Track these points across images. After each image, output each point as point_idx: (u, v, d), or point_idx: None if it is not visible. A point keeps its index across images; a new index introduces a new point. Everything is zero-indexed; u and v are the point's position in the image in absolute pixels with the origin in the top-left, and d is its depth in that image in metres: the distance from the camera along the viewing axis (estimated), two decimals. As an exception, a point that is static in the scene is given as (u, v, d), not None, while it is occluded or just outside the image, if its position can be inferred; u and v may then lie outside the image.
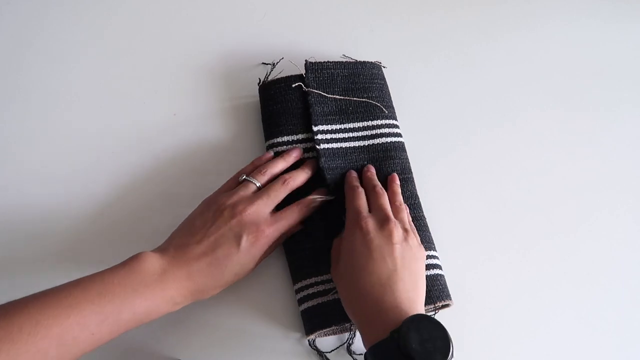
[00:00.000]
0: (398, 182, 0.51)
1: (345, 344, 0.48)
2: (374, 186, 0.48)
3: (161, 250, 0.43)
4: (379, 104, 0.54)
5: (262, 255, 0.46)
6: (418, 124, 0.57)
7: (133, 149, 0.54)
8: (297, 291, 0.48)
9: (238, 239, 0.43)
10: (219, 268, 0.42)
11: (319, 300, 0.46)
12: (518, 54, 0.62)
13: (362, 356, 0.47)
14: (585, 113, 0.61)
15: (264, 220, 0.45)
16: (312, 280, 0.47)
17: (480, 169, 0.57)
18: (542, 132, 0.59)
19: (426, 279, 0.45)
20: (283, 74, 0.55)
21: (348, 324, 0.47)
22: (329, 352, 0.48)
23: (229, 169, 0.53)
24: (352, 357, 0.47)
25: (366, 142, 0.53)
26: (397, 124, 0.55)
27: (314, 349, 0.47)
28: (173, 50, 0.59)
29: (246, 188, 0.46)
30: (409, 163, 0.54)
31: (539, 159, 0.58)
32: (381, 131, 0.53)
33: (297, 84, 0.52)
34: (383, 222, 0.43)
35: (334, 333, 0.48)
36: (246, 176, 0.48)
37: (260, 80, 0.56)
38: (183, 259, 0.42)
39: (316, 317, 0.46)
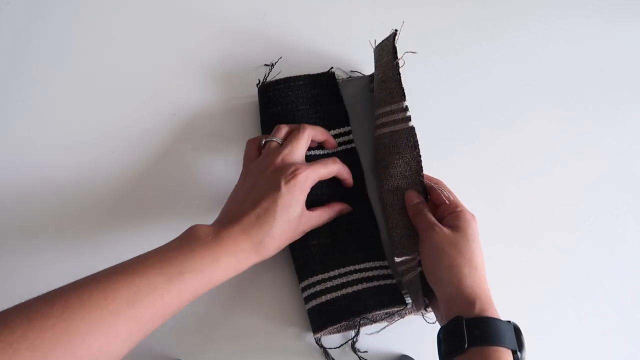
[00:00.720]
0: None
1: (350, 342, 0.48)
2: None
3: (210, 225, 0.43)
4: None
5: (318, 214, 0.47)
6: (417, 123, 0.57)
7: (132, 149, 0.54)
8: (304, 289, 0.47)
9: (277, 183, 0.43)
10: (268, 216, 0.42)
11: (328, 297, 0.46)
12: (518, 54, 0.63)
13: (367, 354, 0.47)
14: (586, 113, 0.61)
15: (298, 162, 0.46)
16: (319, 277, 0.47)
17: (480, 169, 0.57)
18: (542, 132, 0.60)
19: None
20: (282, 75, 0.55)
21: (358, 319, 0.47)
22: (335, 349, 0.47)
23: (229, 168, 0.53)
24: (356, 354, 0.47)
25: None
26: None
27: (320, 347, 0.47)
28: (173, 51, 0.58)
29: (269, 146, 0.48)
30: None
31: (538, 158, 0.58)
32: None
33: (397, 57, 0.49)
34: None
35: (339, 331, 0.48)
36: (265, 139, 0.49)
37: (259, 82, 0.56)
38: (233, 219, 0.42)
39: (325, 315, 0.46)
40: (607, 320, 0.52)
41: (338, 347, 0.48)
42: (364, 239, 0.50)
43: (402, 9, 0.64)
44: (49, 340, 0.31)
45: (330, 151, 0.53)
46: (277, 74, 0.56)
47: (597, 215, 0.56)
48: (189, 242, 0.39)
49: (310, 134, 0.49)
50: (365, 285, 0.47)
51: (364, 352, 0.48)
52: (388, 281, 0.47)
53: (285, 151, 0.46)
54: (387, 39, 0.51)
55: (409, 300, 0.48)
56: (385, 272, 0.48)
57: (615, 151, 0.60)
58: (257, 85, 0.55)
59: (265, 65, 0.58)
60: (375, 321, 0.48)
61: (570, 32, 0.65)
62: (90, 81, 0.56)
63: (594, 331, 0.51)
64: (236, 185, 0.47)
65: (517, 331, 0.40)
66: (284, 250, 0.49)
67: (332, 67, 0.57)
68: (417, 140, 0.48)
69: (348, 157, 0.53)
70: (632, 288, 0.54)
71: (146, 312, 0.35)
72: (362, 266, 0.48)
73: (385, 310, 0.47)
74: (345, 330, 0.48)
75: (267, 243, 0.42)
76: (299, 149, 0.47)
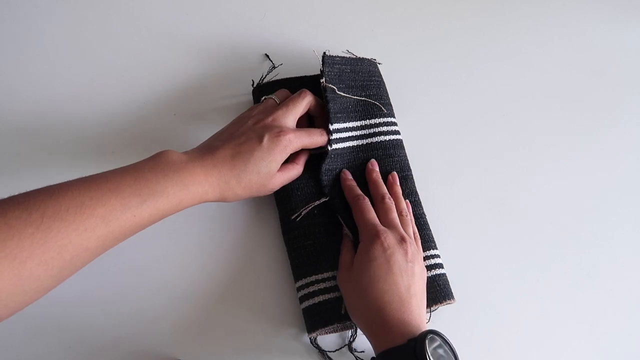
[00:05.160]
0: (398, 183, 0.52)
1: (347, 342, 0.48)
2: (383, 197, 0.49)
3: (185, 151, 0.44)
4: (377, 103, 0.54)
5: (285, 172, 0.47)
6: (417, 122, 0.58)
7: (133, 149, 0.54)
8: (299, 289, 0.48)
9: (260, 138, 0.44)
10: (242, 160, 0.43)
11: (321, 298, 0.46)
12: (517, 54, 0.63)
13: (363, 354, 0.48)
14: (585, 113, 0.61)
15: (286, 127, 0.46)
16: (313, 278, 0.47)
17: (479, 167, 0.57)
18: (541, 131, 0.60)
19: (428, 280, 0.47)
20: (280, 76, 0.56)
21: (350, 322, 0.47)
22: (333, 352, 0.48)
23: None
24: (353, 354, 0.47)
25: (365, 141, 0.53)
26: (396, 121, 0.55)
27: (315, 347, 0.47)
28: (172, 51, 0.59)
29: (266, 103, 0.49)
30: (408, 160, 0.54)
31: (537, 157, 0.58)
32: (380, 129, 0.53)
33: (321, 79, 0.50)
34: (400, 239, 0.45)
35: (335, 331, 0.48)
36: (266, 96, 0.50)
37: (253, 82, 0.56)
38: (209, 152, 0.43)
39: (318, 315, 0.46)
40: (609, 321, 0.52)
41: (334, 351, 0.48)
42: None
43: (402, 9, 0.63)
44: (27, 249, 0.32)
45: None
46: (275, 75, 0.57)
47: (597, 214, 0.56)
48: (162, 166, 0.40)
49: (310, 101, 0.49)
50: None
51: (361, 352, 0.48)
52: None
53: (279, 112, 0.47)
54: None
55: None
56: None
57: (616, 151, 0.59)
58: (252, 85, 0.56)
59: (267, 55, 0.58)
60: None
61: (570, 33, 0.65)
62: (90, 81, 0.57)
63: (595, 331, 0.51)
64: (224, 127, 0.48)
65: (419, 345, 0.37)
66: (282, 249, 0.50)
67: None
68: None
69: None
70: (632, 288, 0.54)
71: (117, 230, 0.37)
72: None
73: None
74: (341, 331, 0.48)
75: (233, 185, 0.43)
76: (293, 113, 0.48)
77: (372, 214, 0.47)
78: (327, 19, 0.62)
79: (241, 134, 0.45)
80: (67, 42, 0.58)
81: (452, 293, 0.48)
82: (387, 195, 0.49)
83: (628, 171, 0.59)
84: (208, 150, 0.44)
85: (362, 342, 0.48)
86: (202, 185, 0.41)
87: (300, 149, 0.47)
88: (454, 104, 0.60)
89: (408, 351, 0.37)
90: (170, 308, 0.48)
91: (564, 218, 0.56)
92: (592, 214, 0.56)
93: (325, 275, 0.47)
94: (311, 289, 0.47)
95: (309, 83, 0.55)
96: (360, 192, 0.49)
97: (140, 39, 0.59)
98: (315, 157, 0.51)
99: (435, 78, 0.61)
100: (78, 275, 0.48)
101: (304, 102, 0.49)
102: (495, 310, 0.51)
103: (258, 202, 0.52)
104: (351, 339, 0.48)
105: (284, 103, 0.48)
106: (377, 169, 0.51)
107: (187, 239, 0.51)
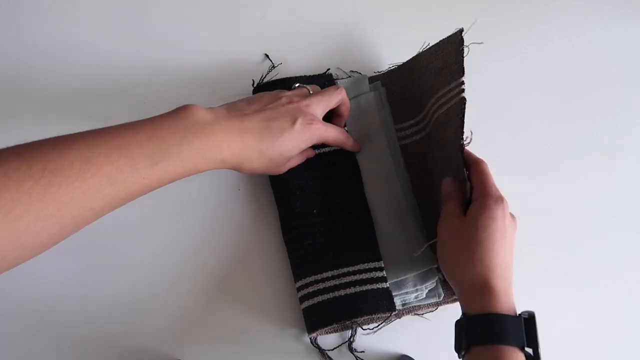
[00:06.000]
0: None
1: (347, 342, 0.48)
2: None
3: (212, 108, 0.42)
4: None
5: (299, 157, 0.48)
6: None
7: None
8: (299, 289, 0.48)
9: (294, 119, 0.43)
10: (270, 136, 0.42)
11: (321, 298, 0.46)
12: (517, 54, 0.63)
13: (363, 354, 0.48)
14: (585, 113, 0.61)
15: (317, 117, 0.46)
16: (313, 278, 0.47)
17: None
18: (541, 131, 0.59)
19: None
20: (280, 76, 0.55)
21: (349, 322, 0.47)
22: (331, 350, 0.48)
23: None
24: (353, 354, 0.47)
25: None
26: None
27: (315, 347, 0.47)
28: (172, 50, 0.59)
29: (300, 90, 0.49)
30: None
31: (537, 157, 0.58)
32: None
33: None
34: (511, 216, 0.44)
35: (335, 331, 0.48)
36: (298, 84, 0.50)
37: (253, 82, 0.56)
38: (237, 117, 0.41)
39: (317, 316, 0.46)
40: (609, 321, 0.52)
41: (333, 349, 0.48)
42: (361, 238, 0.50)
43: (402, 9, 0.63)
44: (24, 203, 0.30)
45: (332, 149, 0.53)
46: (275, 75, 0.57)
47: (597, 214, 0.56)
48: (183, 125, 0.38)
49: (342, 99, 0.49)
50: (357, 288, 0.47)
51: (361, 352, 0.48)
52: (381, 285, 0.47)
53: (314, 99, 0.46)
54: (450, 35, 0.51)
55: (399, 305, 0.48)
56: (380, 274, 0.48)
57: (617, 152, 0.59)
58: (252, 85, 0.56)
59: (266, 55, 0.58)
60: (369, 323, 0.48)
61: (570, 33, 0.65)
62: (90, 82, 0.57)
63: (594, 332, 0.52)
64: (254, 95, 0.47)
65: (530, 324, 0.38)
66: (282, 249, 0.50)
67: (328, 69, 0.57)
68: (463, 109, 0.46)
69: (345, 156, 0.53)
70: (633, 290, 0.54)
71: (124, 191, 0.34)
72: (356, 268, 0.48)
73: (376, 315, 0.47)
74: (341, 331, 0.48)
75: (254, 159, 0.42)
76: (325, 105, 0.47)
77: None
78: (328, 19, 0.62)
79: (274, 108, 0.44)
80: (66, 41, 0.58)
81: None
82: None
83: (628, 171, 0.59)
84: (237, 115, 0.42)
85: (363, 342, 0.48)
86: (222, 152, 0.39)
87: (322, 142, 0.47)
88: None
89: (516, 324, 0.38)
90: (170, 308, 0.48)
91: (564, 218, 0.56)
92: (592, 213, 0.56)
93: (325, 275, 0.47)
94: (311, 289, 0.47)
95: (309, 83, 0.54)
96: None
97: (139, 38, 0.59)
98: (316, 156, 0.51)
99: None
100: (78, 275, 0.48)
101: (338, 97, 0.48)
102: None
103: (258, 201, 0.52)
104: (351, 339, 0.48)
105: (318, 92, 0.48)
106: None
107: (187, 239, 0.51)
